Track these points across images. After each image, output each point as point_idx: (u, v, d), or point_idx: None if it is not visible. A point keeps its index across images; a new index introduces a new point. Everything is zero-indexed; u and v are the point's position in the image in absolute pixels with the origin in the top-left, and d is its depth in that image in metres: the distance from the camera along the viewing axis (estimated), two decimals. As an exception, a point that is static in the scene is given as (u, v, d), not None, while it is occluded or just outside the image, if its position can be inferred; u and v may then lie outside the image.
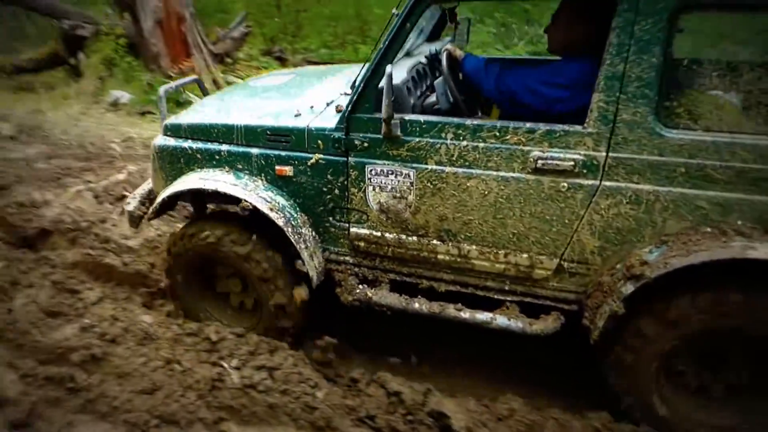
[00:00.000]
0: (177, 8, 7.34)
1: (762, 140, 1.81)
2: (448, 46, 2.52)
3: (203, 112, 2.82)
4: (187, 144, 2.67)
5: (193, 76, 3.56)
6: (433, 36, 3.19)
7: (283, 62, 8.46)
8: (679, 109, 1.97)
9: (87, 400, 2.36)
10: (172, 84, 3.00)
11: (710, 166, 1.86)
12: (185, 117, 2.80)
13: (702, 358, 2.08)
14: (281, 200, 2.47)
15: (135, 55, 7.75)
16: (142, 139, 5.82)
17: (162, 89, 2.84)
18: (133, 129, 6.26)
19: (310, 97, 2.69)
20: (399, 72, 2.39)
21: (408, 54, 2.75)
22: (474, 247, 2.26)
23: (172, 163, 2.71)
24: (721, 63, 2.03)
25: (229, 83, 7.23)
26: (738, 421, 2.04)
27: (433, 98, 2.49)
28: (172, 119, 2.80)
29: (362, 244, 2.47)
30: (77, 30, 8.31)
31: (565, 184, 2.04)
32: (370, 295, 2.48)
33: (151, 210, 2.77)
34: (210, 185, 2.48)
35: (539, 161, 2.04)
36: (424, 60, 2.71)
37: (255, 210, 2.41)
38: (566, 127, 2.01)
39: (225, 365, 2.47)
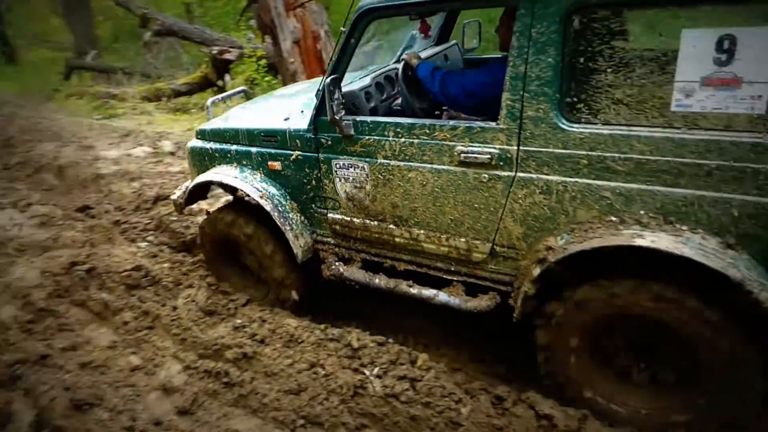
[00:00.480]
0: (313, 27, 7.74)
1: (656, 132, 1.86)
2: (405, 56, 2.76)
3: (226, 118, 3.34)
4: (210, 145, 3.23)
5: (241, 88, 3.95)
6: (442, 39, 3.42)
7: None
8: (579, 105, 2.02)
9: (240, 395, 2.51)
10: (219, 96, 3.59)
11: (610, 158, 1.95)
12: (211, 123, 3.35)
13: (635, 346, 2.12)
14: (273, 190, 2.94)
15: (274, 74, 8.27)
16: None
17: (210, 100, 3.46)
18: None
19: (306, 101, 3.02)
20: (362, 79, 2.87)
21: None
22: (422, 231, 2.54)
23: (200, 160, 3.30)
24: (615, 58, 1.94)
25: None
26: (661, 408, 2.05)
27: (399, 101, 2.87)
28: (202, 125, 3.36)
29: (338, 227, 2.85)
30: (224, 54, 9.08)
31: (486, 176, 2.24)
32: (342, 271, 2.86)
33: (180, 196, 3.42)
34: (216, 178, 3.06)
35: (462, 155, 2.27)
36: (398, 66, 2.90)
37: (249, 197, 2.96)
38: (483, 124, 2.20)
39: (366, 372, 2.49)
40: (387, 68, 3.08)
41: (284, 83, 7.78)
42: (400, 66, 2.74)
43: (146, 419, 2.38)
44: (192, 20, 19.15)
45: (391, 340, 2.70)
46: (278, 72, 8.13)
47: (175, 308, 3.14)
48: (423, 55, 2.99)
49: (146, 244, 4.08)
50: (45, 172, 6.09)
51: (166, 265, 3.67)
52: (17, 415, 2.35)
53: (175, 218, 4.29)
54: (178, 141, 7.02)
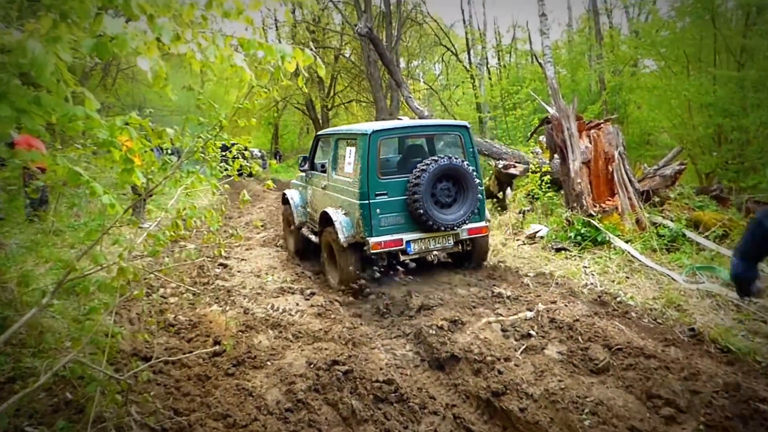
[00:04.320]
0: (607, 149, 7.42)
1: (341, 178, 6.21)
2: None
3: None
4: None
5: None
6: None
7: (722, 202, 7.43)
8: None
9: None
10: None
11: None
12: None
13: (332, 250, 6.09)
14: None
15: (557, 189, 8.13)
16: (558, 275, 5.82)
17: None
18: (546, 264, 6.36)
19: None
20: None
21: None
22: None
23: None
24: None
25: (655, 224, 6.72)
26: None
27: None
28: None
29: None
30: (510, 169, 9.32)
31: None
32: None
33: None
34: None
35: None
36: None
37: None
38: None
39: None
40: None
41: (567, 202, 7.55)
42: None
43: None
44: (483, 133, 20.72)
45: None
46: (562, 190, 7.94)
47: (415, 434, 3.02)
48: None
49: (401, 353, 4.14)
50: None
51: (415, 381, 3.63)
52: None
53: (433, 331, 4.30)
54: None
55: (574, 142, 7.45)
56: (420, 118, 12.02)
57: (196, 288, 5.83)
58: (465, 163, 5.74)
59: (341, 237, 5.66)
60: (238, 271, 6.79)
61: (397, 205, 5.70)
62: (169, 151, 4.73)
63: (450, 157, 5.68)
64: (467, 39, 25.07)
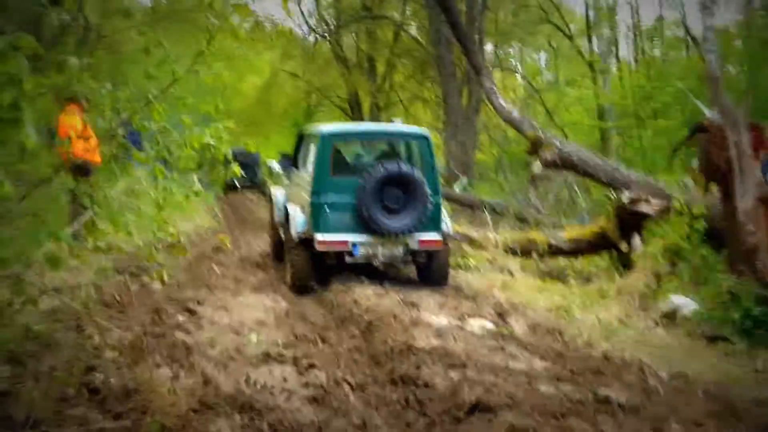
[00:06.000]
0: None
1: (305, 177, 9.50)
2: None
3: None
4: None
5: None
6: None
7: None
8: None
9: None
10: None
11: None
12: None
13: None
14: None
15: (716, 246, 7.82)
16: (709, 380, 5.44)
17: None
18: (690, 360, 6.04)
19: None
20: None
21: None
22: None
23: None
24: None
25: None
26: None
27: None
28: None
29: None
30: (638, 205, 8.97)
31: None
32: None
33: None
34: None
35: None
36: None
37: None
38: None
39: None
40: None
41: (730, 263, 7.28)
42: None
43: None
44: (605, 151, 20.16)
45: None
46: (723, 244, 7.64)
47: None
48: None
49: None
50: (352, 324, 6.98)
51: None
52: None
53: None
54: (535, 321, 7.08)
55: (746, 165, 7.09)
56: (507, 120, 12.89)
57: (146, 338, 5.87)
58: (415, 170, 8.33)
59: (293, 231, 8.45)
60: (211, 323, 6.86)
61: (347, 206, 8.26)
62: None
63: (398, 163, 8.37)
64: (588, 16, 24.89)
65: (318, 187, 8.35)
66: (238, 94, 38.05)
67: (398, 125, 12.61)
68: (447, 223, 8.84)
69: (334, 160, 8.71)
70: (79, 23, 17.28)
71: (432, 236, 8.37)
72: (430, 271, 8.78)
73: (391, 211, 8.17)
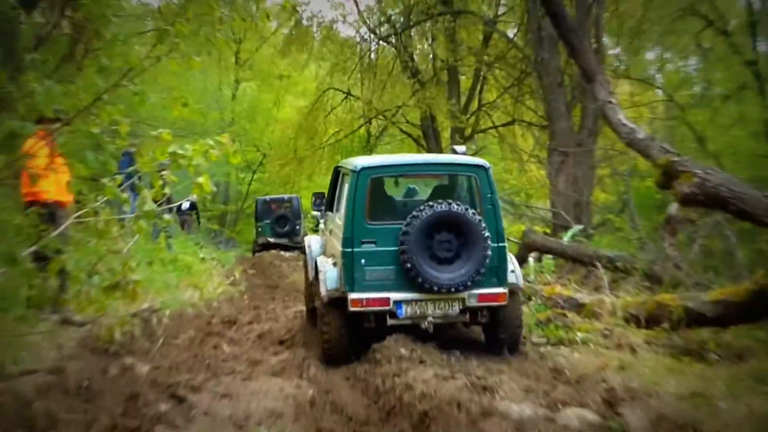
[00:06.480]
0: None
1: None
2: None
3: None
4: None
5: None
6: None
7: None
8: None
9: None
10: None
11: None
12: None
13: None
14: None
15: None
16: None
17: None
18: None
19: None
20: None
21: None
22: None
23: None
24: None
25: None
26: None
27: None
28: None
29: None
30: None
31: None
32: None
33: None
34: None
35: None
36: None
37: None
38: None
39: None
40: None
41: None
42: None
43: None
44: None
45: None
46: None
47: None
48: None
49: None
50: (400, 417, 6.96)
51: None
52: None
53: None
54: (660, 413, 6.85)
55: None
56: (628, 142, 13.11)
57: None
58: (470, 211, 8.69)
59: (322, 290, 8.84)
60: (205, 414, 6.89)
61: (388, 256, 8.72)
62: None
63: (449, 203, 8.71)
64: (750, 5, 24.56)
65: (351, 234, 8.72)
66: (273, 119, 38.20)
67: (453, 156, 12.84)
68: (516, 272, 9.26)
69: (372, 201, 9.06)
70: (63, 31, 17.15)
71: (494, 290, 8.77)
72: (495, 334, 9.29)
73: (441, 261, 8.55)
